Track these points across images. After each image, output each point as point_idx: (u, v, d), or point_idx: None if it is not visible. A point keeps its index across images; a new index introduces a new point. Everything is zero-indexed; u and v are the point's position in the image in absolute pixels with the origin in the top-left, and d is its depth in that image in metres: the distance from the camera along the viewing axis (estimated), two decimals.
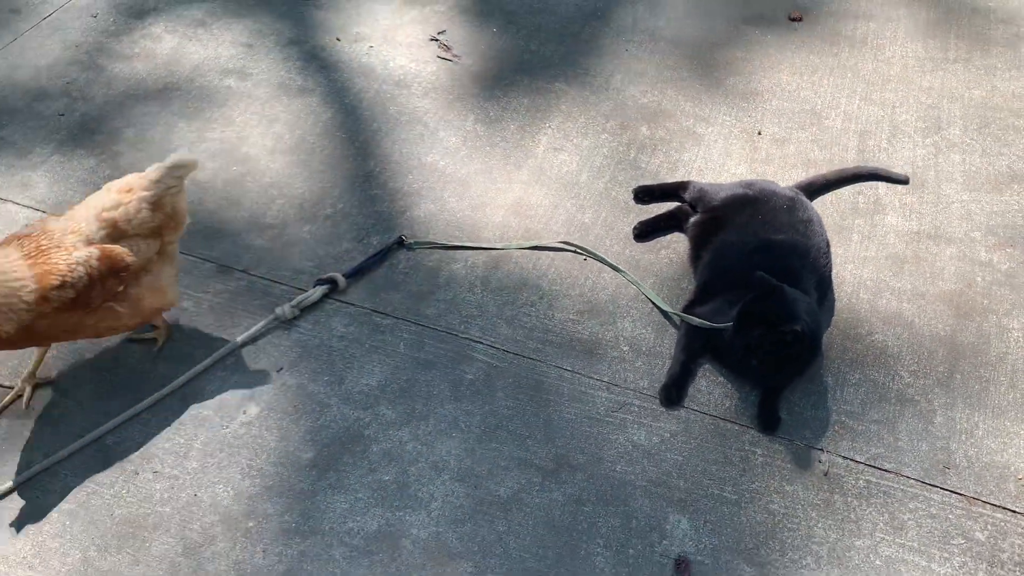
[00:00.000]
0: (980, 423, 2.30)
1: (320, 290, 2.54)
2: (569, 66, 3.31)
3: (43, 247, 2.10)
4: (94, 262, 2.12)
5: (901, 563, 2.05)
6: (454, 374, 2.40)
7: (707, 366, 2.42)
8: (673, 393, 2.34)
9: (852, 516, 2.13)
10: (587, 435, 2.27)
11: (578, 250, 2.69)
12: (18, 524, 2.11)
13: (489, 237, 2.73)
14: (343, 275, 2.56)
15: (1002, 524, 2.12)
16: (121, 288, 2.19)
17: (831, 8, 3.56)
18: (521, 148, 3.01)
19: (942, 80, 3.24)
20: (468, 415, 2.31)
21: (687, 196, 2.73)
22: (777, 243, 2.44)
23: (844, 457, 2.23)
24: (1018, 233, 2.73)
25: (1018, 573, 2.03)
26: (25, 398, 2.32)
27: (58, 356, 2.42)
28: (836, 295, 2.56)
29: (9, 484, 2.16)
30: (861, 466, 2.22)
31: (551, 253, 2.69)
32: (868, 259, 2.66)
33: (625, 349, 2.45)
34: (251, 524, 2.12)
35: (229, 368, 2.41)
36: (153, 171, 2.22)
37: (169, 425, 2.29)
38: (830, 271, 2.51)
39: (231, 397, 2.34)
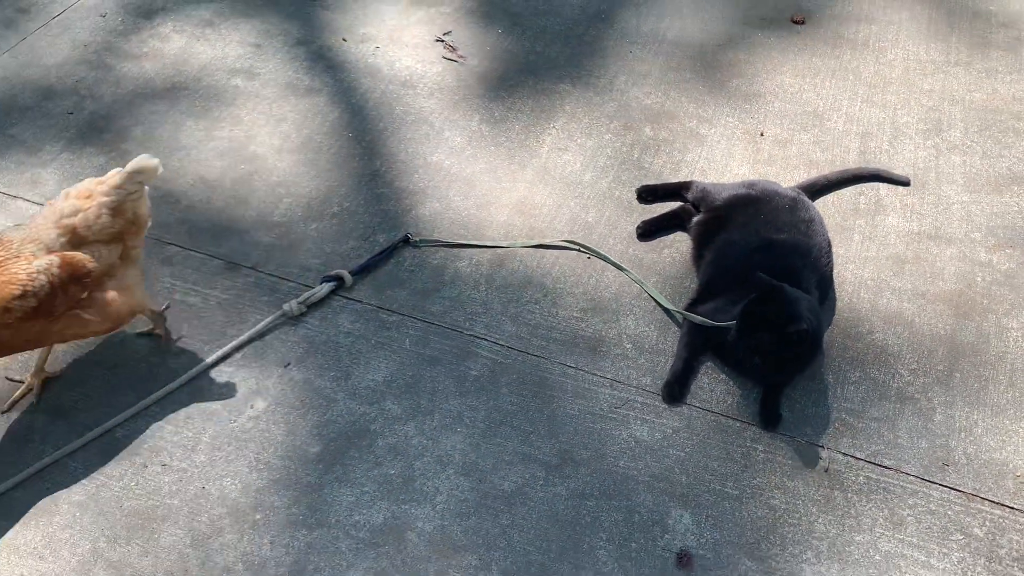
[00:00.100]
0: (979, 421, 2.32)
1: (327, 287, 2.57)
2: (573, 67, 3.35)
3: (1, 258, 2.08)
4: (55, 270, 2.10)
5: (900, 558, 2.08)
6: (459, 370, 2.42)
7: (709, 364, 2.45)
8: (676, 390, 2.36)
9: (852, 512, 2.16)
10: (590, 431, 2.30)
11: (582, 249, 2.71)
12: (28, 515, 2.14)
13: (494, 235, 2.76)
14: (350, 272, 2.59)
15: (1000, 520, 2.14)
16: (85, 294, 2.17)
17: (833, 11, 3.59)
18: (526, 148, 3.04)
19: (943, 83, 3.27)
20: (473, 411, 2.34)
21: (690, 196, 2.76)
22: (779, 242, 2.47)
23: (844, 454, 2.26)
24: (1018, 234, 2.76)
25: (1016, 568, 2.06)
26: (35, 392, 2.35)
27: (68, 351, 2.45)
28: (837, 294, 2.59)
29: (20, 476, 2.19)
30: (861, 463, 2.24)
31: (555, 252, 2.72)
32: (869, 259, 2.69)
33: (628, 346, 2.48)
34: (258, 516, 2.14)
35: (237, 363, 2.44)
36: (113, 176, 2.20)
37: (177, 419, 2.32)
38: (831, 270, 2.54)
39: (239, 392, 2.37)
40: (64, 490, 2.18)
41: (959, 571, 2.05)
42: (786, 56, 3.39)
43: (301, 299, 2.53)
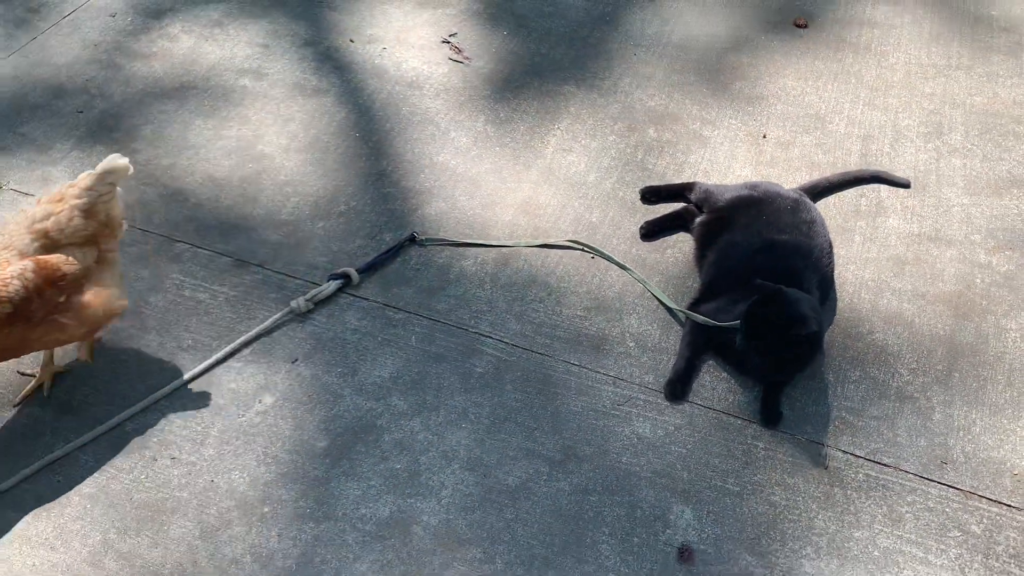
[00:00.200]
0: (977, 420, 2.35)
1: (334, 284, 2.60)
2: (578, 69, 3.38)
3: None
4: (29, 274, 2.08)
5: (899, 554, 2.11)
6: (464, 367, 2.45)
7: (711, 362, 2.48)
8: (678, 388, 2.40)
9: (851, 508, 2.19)
10: (593, 427, 2.33)
11: (586, 248, 2.75)
12: (40, 506, 2.17)
13: (499, 235, 2.79)
14: (356, 270, 2.63)
15: (997, 518, 2.17)
16: (63, 298, 2.16)
17: (836, 15, 3.62)
18: (530, 149, 3.07)
19: (944, 86, 3.30)
20: (478, 407, 2.37)
21: (693, 197, 2.79)
22: (781, 243, 2.50)
23: (844, 451, 2.29)
24: (1017, 236, 2.79)
25: (1012, 564, 2.09)
26: (46, 386, 2.39)
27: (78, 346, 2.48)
28: (838, 295, 2.62)
29: (32, 468, 2.23)
30: (861, 460, 2.27)
31: (559, 251, 2.75)
32: (870, 260, 2.72)
33: (631, 345, 2.51)
34: (266, 509, 2.18)
35: (245, 359, 2.47)
36: (84, 178, 2.20)
37: (186, 413, 2.35)
38: (832, 271, 2.57)
39: (247, 387, 2.41)
40: (75, 482, 2.21)
41: (956, 567, 2.08)
42: (789, 59, 3.43)
43: (308, 296, 2.56)
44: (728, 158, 3.03)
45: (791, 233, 2.52)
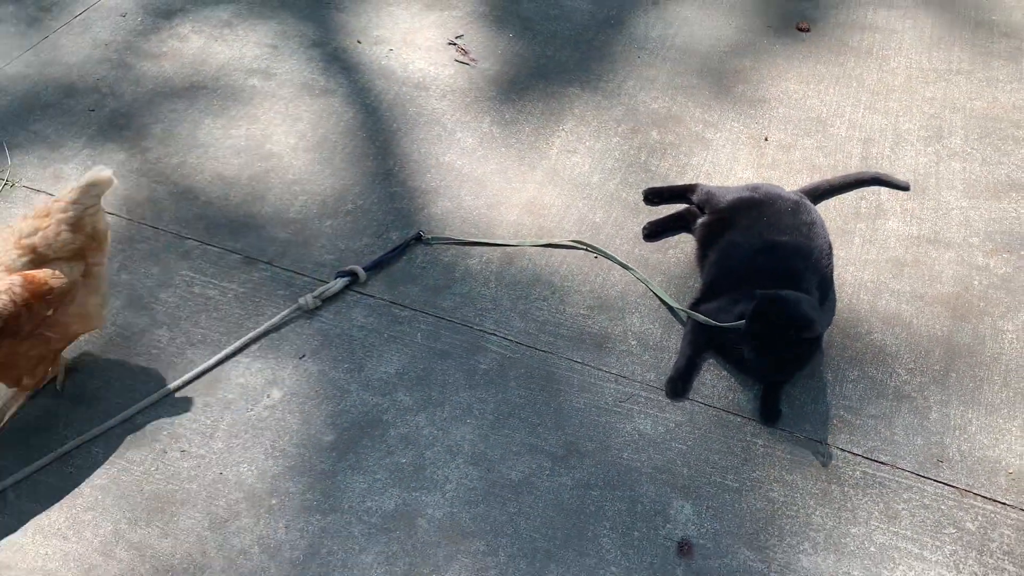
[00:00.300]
0: (973, 419, 2.39)
1: (341, 282, 2.64)
2: (583, 72, 3.42)
3: None
4: (17, 289, 2.09)
5: (894, 550, 2.14)
6: (469, 364, 2.49)
7: (712, 360, 2.52)
8: (679, 386, 2.43)
9: (849, 505, 2.22)
10: (596, 424, 2.37)
11: (589, 248, 2.78)
12: (53, 497, 2.22)
13: (504, 234, 2.83)
14: (363, 268, 2.67)
15: (992, 515, 2.21)
16: (51, 312, 2.17)
17: (838, 19, 3.66)
18: (535, 150, 3.11)
19: (945, 91, 3.34)
20: (482, 403, 2.41)
21: (695, 198, 2.82)
22: (781, 244, 2.53)
23: (842, 449, 2.33)
24: (1015, 239, 2.83)
25: (1006, 561, 2.12)
26: (59, 380, 2.43)
27: (90, 340, 2.52)
28: (837, 295, 2.65)
29: (45, 459, 2.27)
30: (858, 458, 2.31)
31: (563, 251, 2.79)
32: (869, 261, 2.76)
33: (633, 343, 2.55)
34: (274, 501, 2.22)
35: (253, 354, 2.51)
36: (69, 192, 2.21)
37: (196, 407, 2.39)
38: (831, 272, 2.60)
39: (255, 382, 2.45)
40: (87, 473, 2.26)
41: (951, 563, 2.12)
42: (791, 63, 3.46)
43: (316, 293, 2.60)
44: (730, 160, 3.07)
45: (791, 234, 2.55)
